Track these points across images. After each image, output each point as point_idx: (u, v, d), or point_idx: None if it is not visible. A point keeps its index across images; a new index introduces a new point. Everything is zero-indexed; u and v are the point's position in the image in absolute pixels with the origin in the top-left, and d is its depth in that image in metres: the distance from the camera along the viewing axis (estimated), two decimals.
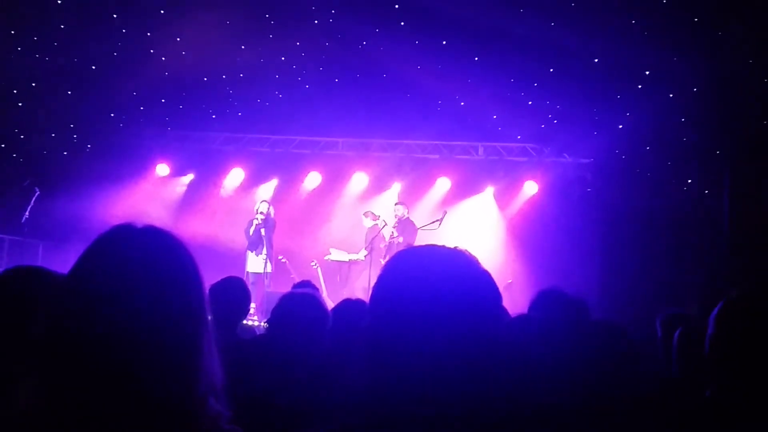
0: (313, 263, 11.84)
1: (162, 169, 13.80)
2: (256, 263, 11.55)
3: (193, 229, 11.77)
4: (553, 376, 2.28)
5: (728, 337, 2.52)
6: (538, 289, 3.60)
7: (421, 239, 11.15)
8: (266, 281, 11.42)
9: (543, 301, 3.43)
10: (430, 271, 1.40)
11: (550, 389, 2.24)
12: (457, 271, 1.40)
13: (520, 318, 2.71)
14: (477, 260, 1.44)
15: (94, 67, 11.59)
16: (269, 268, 11.49)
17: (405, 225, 11.34)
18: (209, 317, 1.50)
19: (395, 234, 11.16)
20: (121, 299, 1.36)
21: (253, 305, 10.17)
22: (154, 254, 1.44)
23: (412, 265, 1.44)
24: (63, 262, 1.59)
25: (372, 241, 11.42)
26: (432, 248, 1.48)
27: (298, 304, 3.44)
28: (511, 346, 1.45)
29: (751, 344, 2.47)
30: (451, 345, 1.32)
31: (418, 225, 11.41)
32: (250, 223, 11.66)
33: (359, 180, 13.55)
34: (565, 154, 12.77)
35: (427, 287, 1.36)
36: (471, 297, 1.37)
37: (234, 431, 1.47)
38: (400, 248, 8.95)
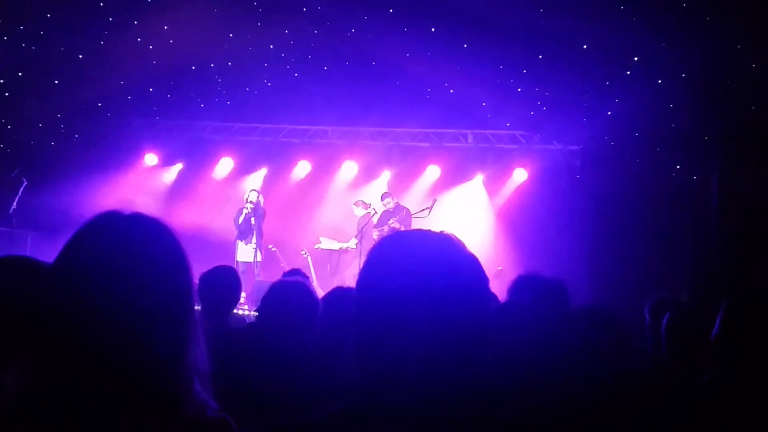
0: (303, 252, 11.84)
1: (150, 158, 13.75)
2: (245, 252, 11.54)
3: (182, 219, 11.73)
4: (543, 362, 2.29)
5: (735, 329, 2.55)
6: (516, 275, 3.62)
7: (412, 227, 11.16)
8: (256, 270, 11.42)
9: (522, 286, 3.43)
10: (416, 255, 1.39)
11: (540, 374, 2.25)
12: (444, 256, 1.39)
13: (503, 305, 2.71)
14: (464, 245, 1.44)
15: (81, 56, 11.50)
16: (259, 257, 11.48)
17: (400, 212, 11.34)
18: (197, 306, 1.49)
19: (392, 221, 11.14)
20: (106, 286, 1.35)
21: (243, 294, 10.16)
22: (141, 241, 1.43)
23: (398, 250, 1.42)
24: (52, 252, 1.58)
25: (362, 229, 11.42)
26: (418, 233, 1.47)
27: (289, 293, 3.44)
28: (498, 332, 1.45)
29: (757, 336, 2.50)
30: (437, 330, 1.31)
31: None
32: (240, 212, 11.64)
33: (349, 168, 13.53)
34: (554, 141, 12.78)
35: (414, 272, 1.35)
36: (458, 281, 1.36)
37: (221, 418, 1.47)
38: None
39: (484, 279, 1.41)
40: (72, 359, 1.33)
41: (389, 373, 1.33)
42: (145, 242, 1.43)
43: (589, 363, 2.60)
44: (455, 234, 1.46)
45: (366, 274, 1.43)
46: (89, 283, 1.35)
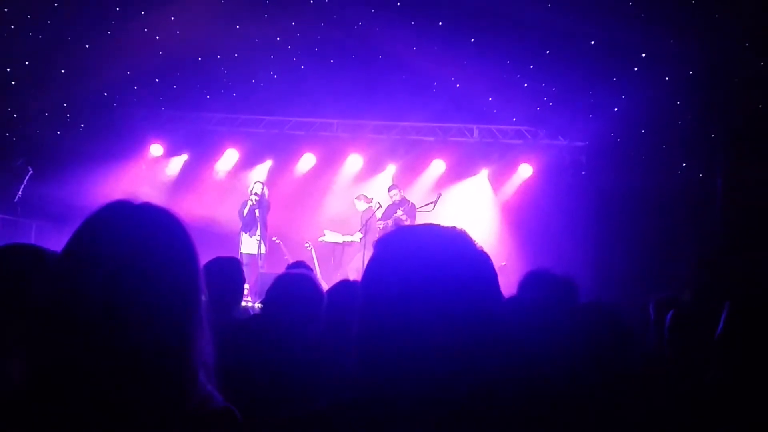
0: (307, 245, 11.84)
1: (156, 149, 13.74)
2: (250, 244, 11.54)
3: (186, 210, 11.67)
4: (547, 357, 2.29)
5: (739, 330, 2.55)
6: (527, 270, 3.61)
7: (416, 221, 11.17)
8: (260, 262, 11.42)
9: (532, 282, 3.43)
10: (425, 249, 1.38)
11: (543, 370, 2.25)
12: (454, 251, 1.39)
13: (512, 299, 2.71)
14: (474, 240, 1.43)
15: (87, 46, 11.50)
16: (263, 249, 11.48)
17: (406, 205, 11.34)
18: (203, 297, 1.49)
19: (399, 213, 11.14)
20: (115, 275, 1.35)
21: (246, 286, 10.16)
22: (151, 231, 1.43)
23: (407, 243, 1.42)
24: (56, 241, 1.58)
25: (367, 222, 11.42)
26: (428, 226, 1.46)
27: (293, 285, 3.44)
28: (506, 327, 1.45)
29: (760, 337, 2.50)
30: (445, 325, 1.31)
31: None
32: (244, 204, 11.64)
33: (354, 162, 13.52)
34: (560, 137, 12.75)
35: (422, 266, 1.35)
36: (467, 277, 1.35)
37: (226, 408, 1.47)
38: None
39: (493, 275, 1.41)
40: (77, 347, 1.33)
41: (393, 366, 1.33)
42: (154, 232, 1.43)
43: (592, 359, 2.60)
44: (465, 229, 1.45)
45: (372, 267, 1.42)
46: (98, 271, 1.35)
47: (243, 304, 9.21)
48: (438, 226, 1.45)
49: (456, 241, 1.41)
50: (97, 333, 1.33)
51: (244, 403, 1.62)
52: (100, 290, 1.34)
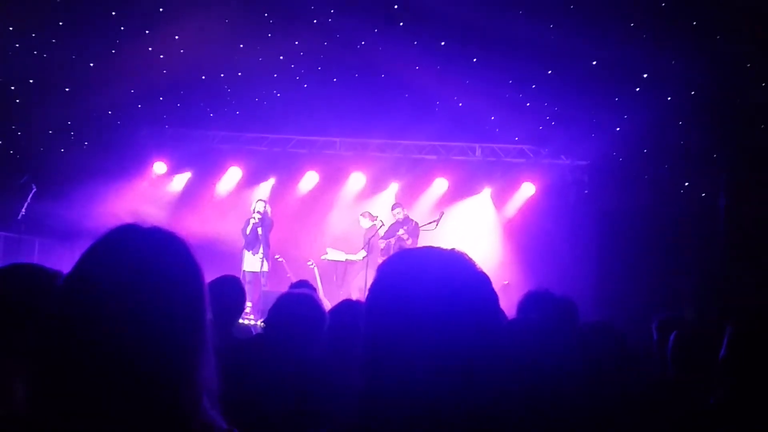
0: (309, 263, 11.84)
1: (159, 166, 13.79)
2: (252, 262, 11.54)
3: (189, 228, 11.73)
4: (550, 378, 2.28)
5: (742, 352, 2.54)
6: (529, 288, 3.60)
7: (419, 240, 11.18)
8: (263, 280, 11.42)
9: (532, 302, 3.42)
10: (426, 272, 1.38)
11: (547, 391, 2.24)
12: (455, 274, 1.39)
13: (513, 321, 2.71)
14: (474, 262, 1.44)
15: (92, 64, 11.57)
16: (266, 267, 11.48)
17: (409, 225, 11.34)
18: (209, 323, 1.49)
19: (401, 232, 11.15)
20: (123, 300, 1.35)
21: (249, 304, 10.16)
22: (161, 257, 1.42)
23: (408, 267, 1.42)
24: (59, 259, 1.59)
25: (370, 241, 11.42)
26: (429, 250, 1.47)
27: (296, 305, 3.44)
28: (508, 349, 1.45)
29: (763, 359, 2.49)
30: (447, 348, 1.31)
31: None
32: (247, 222, 11.64)
33: (356, 180, 13.54)
34: (562, 156, 12.77)
35: (424, 289, 1.35)
36: (468, 300, 1.36)
37: None
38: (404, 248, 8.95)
39: (494, 297, 1.41)
40: (82, 369, 1.33)
41: (396, 388, 1.33)
42: (163, 257, 1.43)
43: (595, 380, 2.59)
44: (466, 251, 1.45)
45: (376, 289, 1.43)
46: (106, 295, 1.35)
47: (246, 322, 9.21)
48: (438, 248, 1.46)
49: (456, 264, 1.42)
50: (102, 356, 1.33)
51: (244, 423, 1.61)
52: (107, 313, 1.34)
